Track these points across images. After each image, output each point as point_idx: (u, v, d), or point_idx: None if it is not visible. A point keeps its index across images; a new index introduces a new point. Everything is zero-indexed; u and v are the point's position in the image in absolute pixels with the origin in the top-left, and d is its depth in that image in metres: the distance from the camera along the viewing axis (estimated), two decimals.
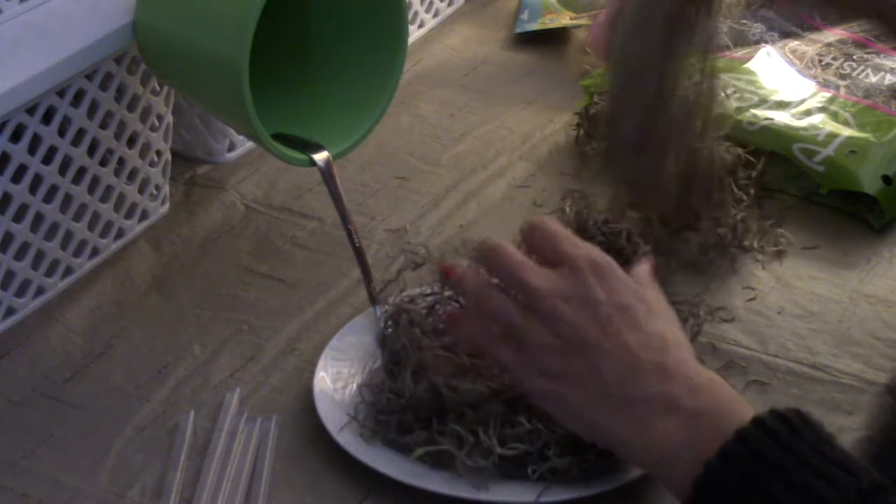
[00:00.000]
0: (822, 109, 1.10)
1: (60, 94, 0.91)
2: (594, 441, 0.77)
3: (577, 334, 0.74)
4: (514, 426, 0.79)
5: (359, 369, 0.87)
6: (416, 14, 1.30)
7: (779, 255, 1.00)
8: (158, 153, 1.03)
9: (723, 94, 1.10)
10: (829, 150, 1.04)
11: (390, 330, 0.88)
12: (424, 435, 0.80)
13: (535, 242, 0.79)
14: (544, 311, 0.75)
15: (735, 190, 1.01)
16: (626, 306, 0.75)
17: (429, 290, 0.89)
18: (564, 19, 1.31)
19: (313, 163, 0.95)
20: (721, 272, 0.98)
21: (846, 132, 1.06)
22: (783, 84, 1.13)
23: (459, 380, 0.81)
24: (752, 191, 1.02)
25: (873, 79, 1.14)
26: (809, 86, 1.13)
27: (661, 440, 0.71)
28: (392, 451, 0.81)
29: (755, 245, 1.00)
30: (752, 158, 1.04)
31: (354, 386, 0.85)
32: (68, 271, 0.98)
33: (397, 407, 0.82)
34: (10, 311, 0.94)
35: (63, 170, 0.94)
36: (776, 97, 1.11)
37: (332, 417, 0.83)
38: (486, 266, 0.79)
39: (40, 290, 0.96)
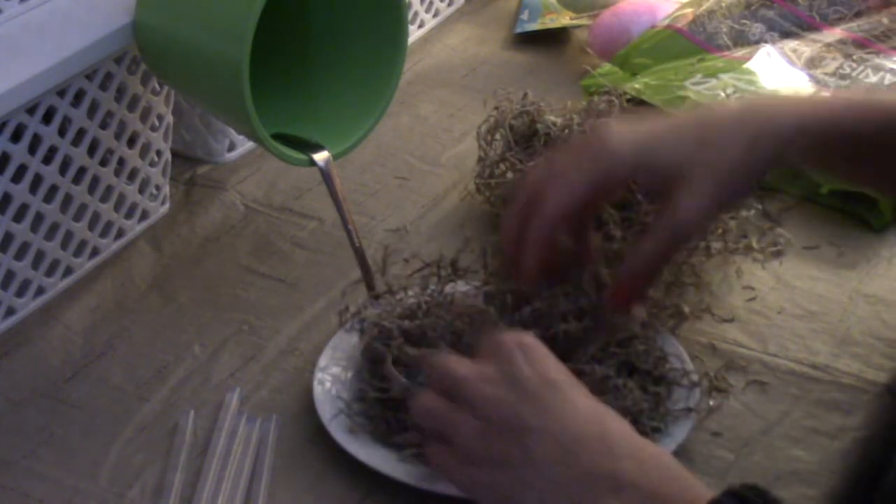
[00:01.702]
0: None
1: (60, 94, 0.91)
2: None
3: (500, 413, 0.69)
4: None
5: (359, 369, 0.87)
6: (416, 14, 1.30)
7: (779, 255, 1.00)
8: (158, 153, 1.03)
9: (723, 94, 1.10)
10: None
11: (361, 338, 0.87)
12: (414, 435, 0.80)
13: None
14: (468, 395, 0.71)
15: None
16: (556, 381, 0.70)
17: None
18: (564, 19, 1.31)
19: (313, 163, 0.95)
20: (721, 272, 0.98)
21: None
22: (783, 84, 1.13)
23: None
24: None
25: (873, 79, 1.14)
26: (809, 86, 1.13)
27: None
28: (391, 450, 0.81)
29: (754, 245, 1.00)
30: None
31: (344, 385, 0.86)
32: (68, 271, 0.98)
33: (385, 404, 0.82)
34: (10, 311, 0.94)
35: (63, 170, 0.94)
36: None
37: (333, 417, 0.83)
38: (430, 381, 0.75)
39: (40, 290, 0.96)
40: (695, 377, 0.84)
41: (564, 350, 0.80)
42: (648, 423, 0.80)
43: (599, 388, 0.78)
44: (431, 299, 0.87)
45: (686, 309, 0.91)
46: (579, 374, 0.76)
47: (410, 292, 0.89)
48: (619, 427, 0.69)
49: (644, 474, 0.65)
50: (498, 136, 1.04)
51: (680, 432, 0.81)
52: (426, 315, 0.86)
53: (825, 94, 0.81)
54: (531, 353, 0.72)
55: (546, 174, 0.79)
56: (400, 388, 0.81)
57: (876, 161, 0.82)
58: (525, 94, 1.05)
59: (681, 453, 0.80)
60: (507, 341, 0.72)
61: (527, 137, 1.03)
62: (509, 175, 1.02)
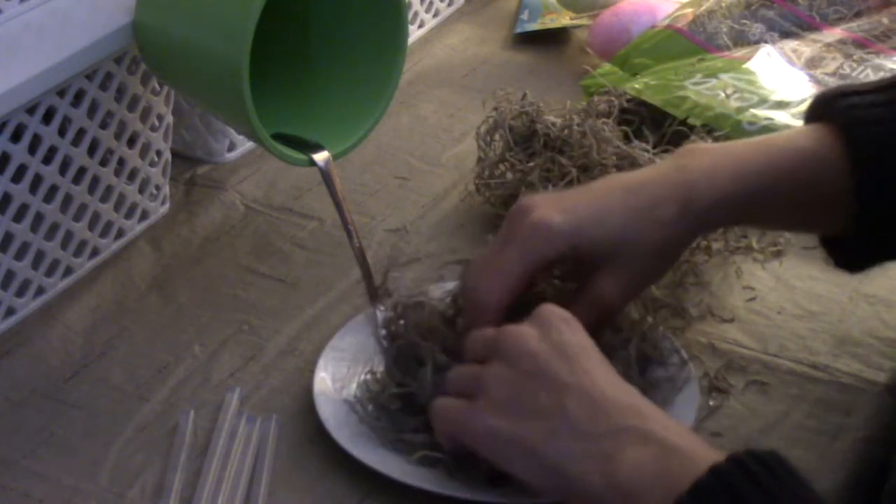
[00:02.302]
0: None
1: (60, 94, 0.91)
2: (543, 489, 0.71)
3: (537, 366, 0.71)
4: None
5: (359, 369, 0.87)
6: (416, 14, 1.30)
7: (778, 255, 1.00)
8: (158, 153, 1.03)
9: (723, 94, 1.10)
10: None
11: (392, 328, 0.85)
12: (425, 437, 0.80)
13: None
14: (507, 346, 0.73)
15: None
16: (593, 350, 0.73)
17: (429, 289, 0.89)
18: (564, 19, 1.31)
19: (313, 163, 0.95)
20: (721, 272, 0.98)
21: None
22: (783, 84, 1.13)
23: None
24: None
25: (873, 79, 1.14)
26: (809, 86, 1.13)
27: (631, 473, 0.66)
28: (392, 450, 0.81)
29: (754, 245, 1.00)
30: None
31: (355, 385, 0.85)
32: (68, 271, 0.98)
33: (403, 405, 0.82)
34: (10, 311, 0.94)
35: (63, 170, 0.94)
36: (776, 97, 1.11)
37: (333, 417, 0.83)
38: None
39: (40, 290, 0.96)
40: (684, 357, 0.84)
41: None
42: None
43: None
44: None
45: (694, 312, 0.91)
46: None
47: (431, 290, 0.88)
48: (646, 402, 0.70)
49: (671, 433, 0.67)
50: (497, 137, 1.04)
51: None
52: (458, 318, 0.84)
53: (739, 146, 0.83)
54: (573, 324, 0.74)
55: (480, 268, 0.81)
56: (427, 393, 0.79)
57: (805, 205, 0.83)
58: (524, 95, 1.05)
59: None
60: (552, 312, 0.74)
61: (526, 138, 1.03)
62: (509, 175, 1.02)
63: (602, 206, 0.80)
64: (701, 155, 0.82)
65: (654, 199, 0.80)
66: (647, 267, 0.81)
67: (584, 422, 0.68)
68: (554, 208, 0.79)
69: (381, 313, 0.89)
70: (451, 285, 0.87)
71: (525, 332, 0.73)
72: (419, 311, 0.84)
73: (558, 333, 0.73)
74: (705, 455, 0.65)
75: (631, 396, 0.70)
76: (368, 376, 0.86)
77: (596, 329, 0.78)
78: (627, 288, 0.81)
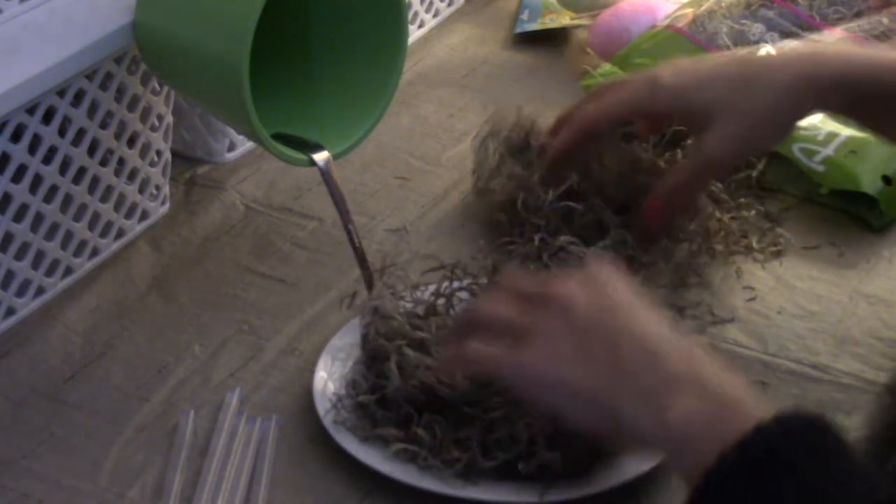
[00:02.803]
0: None
1: (60, 94, 0.91)
2: (595, 431, 0.72)
3: (589, 311, 0.72)
4: (493, 430, 0.79)
5: (354, 362, 0.87)
6: (416, 14, 1.30)
7: (778, 255, 1.00)
8: (158, 153, 1.03)
9: None
10: (829, 150, 1.04)
11: (366, 327, 0.87)
12: (396, 431, 0.81)
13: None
14: (559, 296, 0.73)
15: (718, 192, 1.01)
16: (642, 298, 0.74)
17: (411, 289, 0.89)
18: (564, 19, 1.31)
19: (313, 163, 0.95)
20: (721, 272, 0.98)
21: (846, 132, 1.06)
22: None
23: (451, 377, 0.81)
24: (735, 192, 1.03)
25: None
26: None
27: (681, 421, 0.66)
28: (384, 447, 0.81)
29: (754, 245, 1.00)
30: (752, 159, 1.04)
31: (342, 380, 0.86)
32: (68, 271, 0.98)
33: (376, 401, 0.82)
34: (10, 311, 0.94)
35: (63, 170, 0.94)
36: None
37: (329, 415, 0.83)
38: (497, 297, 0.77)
39: (40, 290, 0.96)
40: None
41: None
42: None
43: None
44: (439, 304, 0.87)
45: (710, 317, 0.92)
46: None
47: (418, 292, 0.89)
48: (698, 349, 0.71)
49: (723, 384, 0.67)
50: (492, 148, 1.04)
51: (656, 457, 0.79)
52: (431, 316, 0.86)
53: (872, 48, 0.86)
54: (618, 274, 0.75)
55: (602, 90, 0.93)
56: (396, 387, 0.81)
57: None
58: (520, 108, 1.05)
59: None
60: (600, 267, 0.75)
61: (520, 149, 1.03)
62: (507, 182, 1.02)
63: (714, 73, 0.88)
64: (834, 44, 0.87)
65: (770, 68, 0.87)
66: (754, 129, 0.87)
67: (638, 369, 0.69)
68: (670, 70, 0.90)
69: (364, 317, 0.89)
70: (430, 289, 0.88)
71: (575, 290, 0.73)
72: (383, 315, 0.85)
73: (606, 281, 0.74)
74: (754, 409, 0.65)
75: (683, 346, 0.70)
76: (350, 372, 0.86)
77: (699, 184, 0.90)
78: (731, 144, 0.87)
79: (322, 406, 0.83)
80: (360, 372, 0.85)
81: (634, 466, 0.79)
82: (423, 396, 0.81)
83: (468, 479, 0.78)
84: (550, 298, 0.73)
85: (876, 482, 0.62)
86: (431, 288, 0.89)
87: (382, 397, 0.82)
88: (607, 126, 0.93)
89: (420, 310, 0.87)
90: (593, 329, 0.71)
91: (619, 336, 0.71)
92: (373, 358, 0.85)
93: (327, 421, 0.82)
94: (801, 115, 0.89)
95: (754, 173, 1.04)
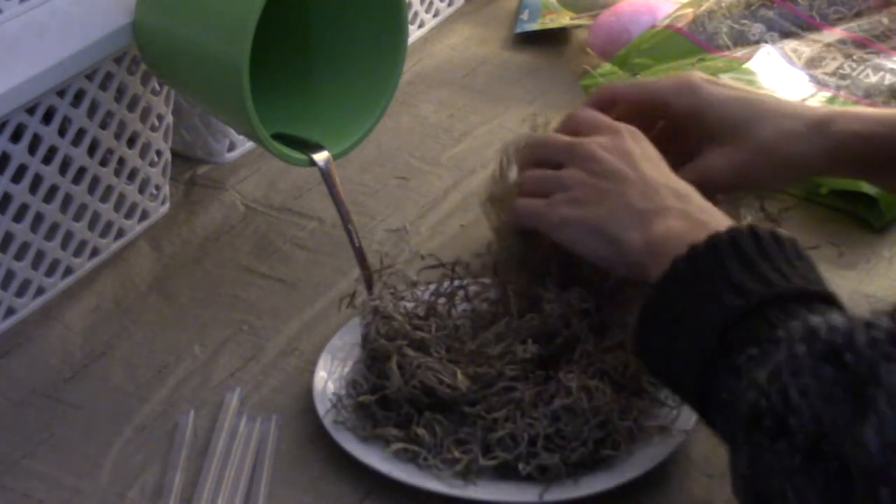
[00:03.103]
0: None
1: (60, 94, 0.91)
2: (599, 258, 0.82)
3: (608, 168, 0.82)
4: (494, 430, 0.79)
5: (354, 361, 0.87)
6: (416, 14, 1.30)
7: None
8: (158, 153, 1.03)
9: None
10: None
11: (367, 327, 0.87)
12: (396, 431, 0.81)
13: (577, 127, 0.88)
14: (581, 150, 0.84)
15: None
16: (655, 156, 0.84)
17: (412, 289, 0.89)
18: (564, 19, 1.31)
19: (313, 163, 0.95)
20: None
21: None
22: (783, 84, 1.13)
23: (452, 377, 0.81)
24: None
25: (873, 79, 1.14)
26: (809, 86, 1.13)
27: (662, 234, 0.77)
28: (391, 450, 0.81)
29: None
30: None
31: (342, 380, 0.86)
32: (68, 271, 0.98)
33: (377, 401, 0.82)
34: (10, 311, 0.94)
35: (63, 170, 0.94)
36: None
37: (329, 416, 0.83)
38: (528, 160, 0.88)
39: (40, 290, 0.96)
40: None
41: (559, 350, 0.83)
42: (619, 423, 0.80)
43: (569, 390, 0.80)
44: (439, 303, 0.88)
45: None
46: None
47: (419, 291, 0.89)
48: (695, 195, 0.81)
49: (708, 216, 0.78)
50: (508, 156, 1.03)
51: (659, 453, 0.80)
52: (431, 316, 0.86)
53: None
54: (637, 135, 0.85)
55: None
56: (397, 387, 0.81)
57: None
58: (534, 116, 1.04)
59: (679, 457, 0.80)
60: (624, 126, 0.86)
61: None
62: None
63: (747, 97, 0.91)
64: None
65: (793, 114, 0.90)
66: (766, 166, 0.90)
67: (637, 201, 0.80)
68: (705, 77, 0.92)
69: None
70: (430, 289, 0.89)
71: (596, 140, 0.85)
72: (384, 315, 0.86)
73: (625, 141, 0.84)
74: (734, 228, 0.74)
75: (683, 188, 0.81)
76: (350, 372, 0.86)
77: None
78: (735, 173, 0.90)
79: (322, 406, 0.83)
80: (361, 372, 0.85)
81: (634, 466, 0.79)
82: (424, 397, 0.81)
83: (468, 478, 0.78)
84: (574, 157, 0.85)
85: (816, 279, 0.73)
86: (432, 287, 0.89)
87: (383, 397, 0.82)
88: (623, 98, 0.94)
89: (421, 310, 0.87)
90: (608, 175, 0.82)
91: (625, 179, 0.82)
92: (373, 358, 0.85)
93: (327, 421, 0.82)
94: (819, 168, 0.92)
95: None
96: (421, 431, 0.80)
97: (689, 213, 0.78)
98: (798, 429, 0.62)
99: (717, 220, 0.78)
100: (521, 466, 0.78)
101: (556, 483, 0.78)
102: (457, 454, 0.79)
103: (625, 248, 0.79)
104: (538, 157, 0.88)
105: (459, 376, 0.81)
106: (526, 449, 0.78)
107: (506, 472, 0.79)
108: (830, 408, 0.62)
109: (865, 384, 0.61)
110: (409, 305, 0.88)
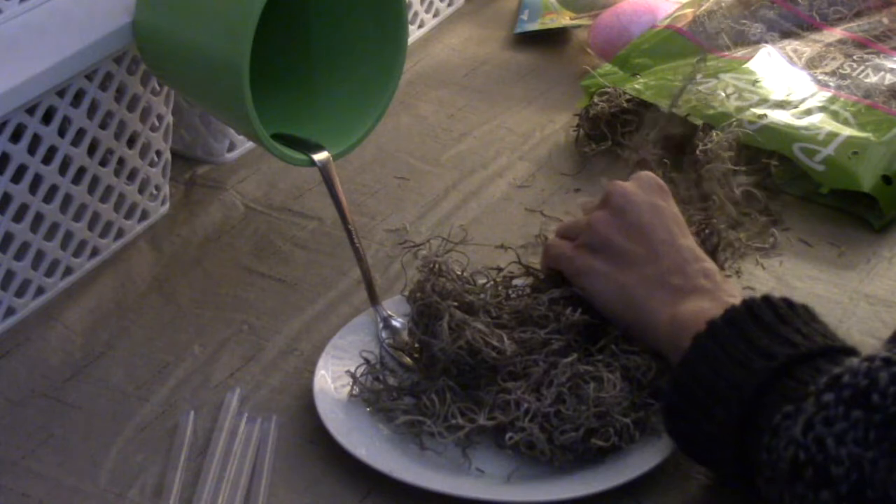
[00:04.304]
0: (822, 109, 1.10)
1: (60, 94, 0.91)
2: (616, 316, 0.83)
3: (640, 220, 0.84)
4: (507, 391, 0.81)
5: (359, 369, 0.87)
6: (416, 14, 1.30)
7: (778, 254, 1.00)
8: (158, 153, 1.03)
9: (723, 94, 1.10)
10: (829, 150, 1.04)
11: (415, 290, 0.87)
12: (405, 403, 0.83)
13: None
14: (615, 195, 0.86)
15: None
16: (678, 216, 0.86)
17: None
18: (564, 19, 1.31)
19: (313, 163, 0.95)
20: (721, 272, 0.98)
21: (846, 132, 1.06)
22: (783, 84, 1.13)
23: (499, 340, 0.83)
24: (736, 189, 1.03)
25: (873, 79, 1.14)
26: (809, 85, 1.13)
27: (690, 313, 0.78)
28: (391, 450, 0.81)
29: (742, 238, 1.00)
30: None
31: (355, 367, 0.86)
32: (68, 271, 0.98)
33: (400, 384, 0.84)
34: (10, 311, 0.94)
35: (63, 170, 0.94)
36: (776, 97, 1.11)
37: (333, 417, 0.83)
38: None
39: (40, 290, 0.96)
40: None
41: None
42: (618, 417, 0.80)
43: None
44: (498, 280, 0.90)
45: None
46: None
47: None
48: (718, 274, 0.83)
49: (734, 298, 0.79)
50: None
51: (659, 453, 0.80)
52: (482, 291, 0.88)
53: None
54: (667, 192, 0.87)
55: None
56: (443, 345, 0.82)
57: None
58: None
59: (679, 456, 0.80)
60: (651, 178, 0.88)
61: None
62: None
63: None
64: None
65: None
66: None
67: (672, 276, 0.81)
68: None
69: (381, 311, 0.91)
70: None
71: (631, 190, 0.86)
72: (438, 274, 0.87)
73: (655, 197, 0.86)
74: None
75: (709, 266, 0.83)
76: (365, 357, 0.87)
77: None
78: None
79: (322, 406, 0.83)
80: (407, 328, 0.87)
81: (634, 466, 0.79)
82: (469, 358, 0.82)
83: (467, 450, 0.80)
84: (608, 202, 0.86)
85: (835, 337, 0.73)
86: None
87: (430, 355, 0.84)
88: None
89: (471, 276, 0.89)
90: (637, 233, 0.84)
91: (659, 245, 0.83)
92: (421, 314, 0.85)
93: (335, 428, 0.82)
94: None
95: (750, 174, 1.04)
96: (433, 398, 0.81)
97: (717, 295, 0.80)
98: (841, 478, 0.63)
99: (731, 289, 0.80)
100: (508, 435, 0.79)
101: (556, 483, 0.78)
102: (460, 420, 0.80)
103: (649, 317, 0.81)
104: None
105: (506, 340, 0.82)
106: (524, 421, 0.79)
107: (521, 448, 0.79)
108: (868, 452, 0.62)
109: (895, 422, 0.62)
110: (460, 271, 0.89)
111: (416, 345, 0.86)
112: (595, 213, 0.86)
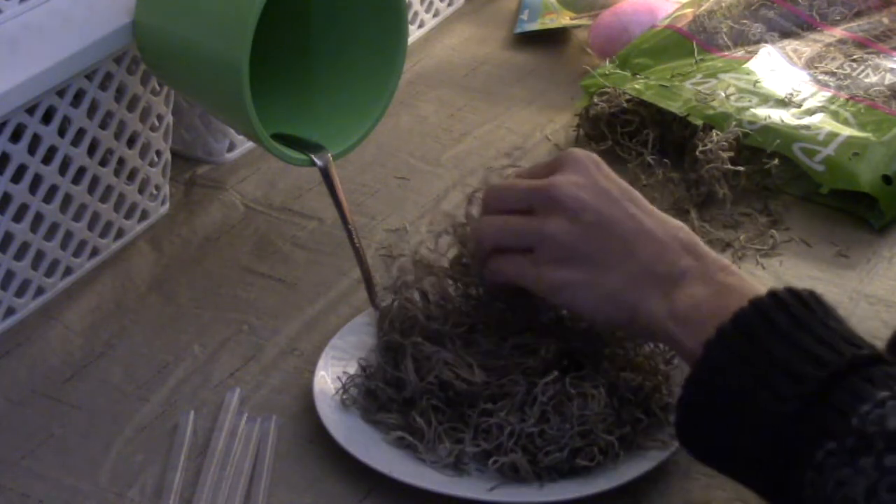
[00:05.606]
0: (822, 109, 1.10)
1: (60, 94, 0.91)
2: (611, 323, 0.78)
3: (602, 217, 0.77)
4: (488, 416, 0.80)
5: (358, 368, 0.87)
6: (416, 14, 1.30)
7: (778, 254, 1.00)
8: (158, 153, 1.03)
9: (723, 94, 1.10)
10: (829, 150, 1.04)
11: (380, 327, 0.88)
12: (396, 418, 0.82)
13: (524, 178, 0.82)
14: (565, 198, 0.77)
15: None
16: (630, 191, 0.79)
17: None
18: (564, 19, 1.31)
19: (313, 163, 0.95)
20: None
21: (846, 132, 1.06)
22: (783, 84, 1.13)
23: (468, 371, 0.81)
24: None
25: (873, 79, 1.14)
26: (810, 85, 1.13)
27: (689, 304, 0.73)
28: (391, 450, 0.81)
29: (741, 240, 1.00)
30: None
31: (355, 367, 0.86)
32: (68, 271, 0.98)
33: (390, 396, 0.83)
34: (10, 311, 0.94)
35: (63, 170, 0.94)
36: (776, 97, 1.11)
37: (332, 417, 0.83)
38: (494, 204, 0.82)
39: (40, 290, 0.96)
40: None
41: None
42: (602, 436, 0.79)
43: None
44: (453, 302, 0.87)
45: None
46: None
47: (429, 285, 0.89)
48: (692, 237, 0.77)
49: (726, 274, 0.75)
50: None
51: (659, 453, 0.80)
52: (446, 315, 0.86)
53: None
54: (603, 167, 0.80)
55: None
56: (413, 384, 0.82)
57: None
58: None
59: (679, 456, 0.80)
60: (581, 156, 0.80)
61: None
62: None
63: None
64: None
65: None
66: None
67: (655, 265, 0.76)
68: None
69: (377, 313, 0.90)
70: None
71: (574, 182, 0.78)
72: (401, 308, 0.86)
73: (600, 180, 0.78)
74: (751, 292, 0.71)
75: (685, 235, 0.77)
76: (361, 364, 0.86)
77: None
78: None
79: (322, 406, 0.83)
80: (374, 358, 0.86)
81: (634, 466, 0.79)
82: (441, 392, 0.81)
83: (458, 469, 0.79)
84: (556, 204, 0.78)
85: (860, 343, 0.68)
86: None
87: (399, 391, 0.83)
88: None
89: (435, 295, 0.87)
90: (604, 230, 0.77)
91: (630, 235, 0.76)
92: (387, 349, 0.85)
93: (335, 400, 0.82)
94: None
95: (748, 173, 1.04)
96: (419, 420, 0.80)
97: (707, 274, 0.75)
98: None
99: (733, 277, 0.75)
100: (491, 461, 0.78)
101: (555, 483, 0.78)
102: (448, 444, 0.79)
103: (645, 317, 0.75)
104: (503, 204, 0.81)
105: (476, 369, 0.81)
106: (508, 443, 0.79)
107: (506, 472, 0.79)
108: None
109: None
110: (424, 293, 0.87)
111: (384, 384, 0.84)
112: (548, 224, 0.78)
